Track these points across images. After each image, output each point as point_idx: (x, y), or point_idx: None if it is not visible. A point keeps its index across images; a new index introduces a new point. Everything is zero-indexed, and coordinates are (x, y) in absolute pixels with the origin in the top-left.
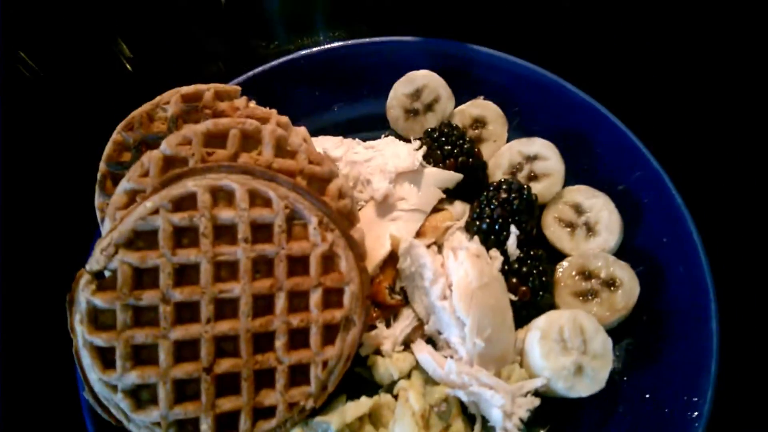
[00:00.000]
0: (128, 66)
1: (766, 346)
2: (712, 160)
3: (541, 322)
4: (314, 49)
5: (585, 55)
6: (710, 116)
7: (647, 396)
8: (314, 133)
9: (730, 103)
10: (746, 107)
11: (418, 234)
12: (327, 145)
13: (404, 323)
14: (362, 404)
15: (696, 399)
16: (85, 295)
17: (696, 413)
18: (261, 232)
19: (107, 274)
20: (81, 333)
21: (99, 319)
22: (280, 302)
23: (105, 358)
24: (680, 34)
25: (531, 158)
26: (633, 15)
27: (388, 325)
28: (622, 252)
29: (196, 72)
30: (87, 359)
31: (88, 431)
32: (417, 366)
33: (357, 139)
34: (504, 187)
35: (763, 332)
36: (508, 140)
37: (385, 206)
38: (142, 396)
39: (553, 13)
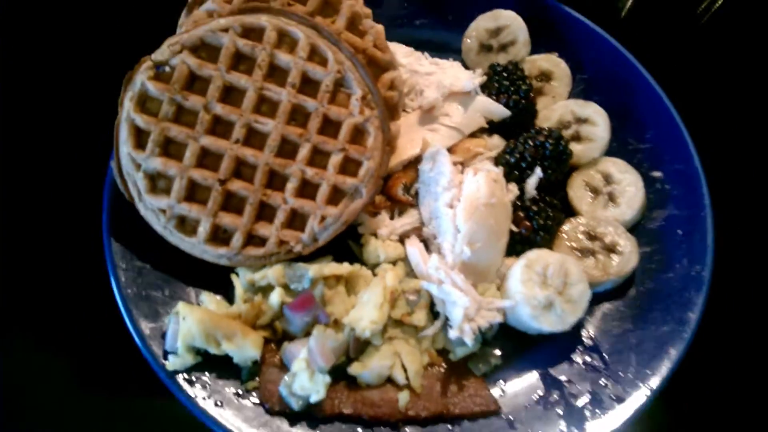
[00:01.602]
0: None
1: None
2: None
3: (531, 254)
4: None
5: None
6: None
7: (606, 360)
8: (390, 39)
9: None
10: None
11: (450, 150)
12: (398, 50)
13: (407, 220)
14: (342, 267)
15: (645, 387)
16: (141, 77)
17: (645, 393)
18: (309, 86)
19: (166, 69)
20: (127, 109)
21: (146, 104)
22: (304, 151)
23: (139, 138)
24: None
25: (581, 120)
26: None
27: (391, 217)
28: (635, 231)
29: None
30: (124, 133)
31: (104, 204)
32: (404, 259)
33: (426, 54)
34: (544, 132)
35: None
36: None
37: (429, 116)
38: (158, 183)
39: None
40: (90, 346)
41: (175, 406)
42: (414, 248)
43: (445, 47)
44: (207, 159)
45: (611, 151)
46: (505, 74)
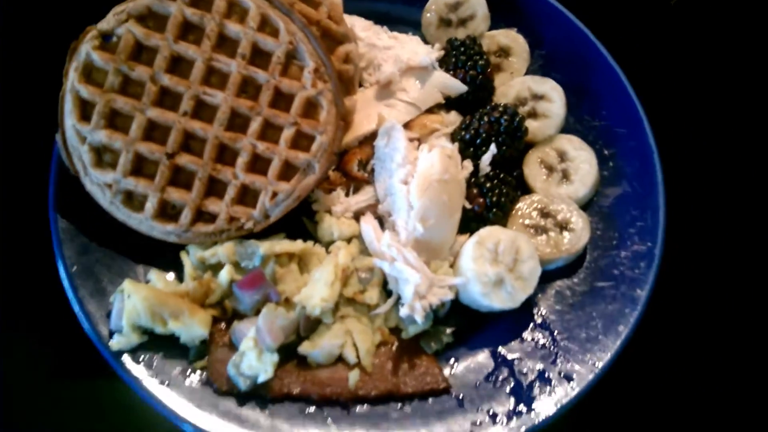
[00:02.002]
0: None
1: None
2: (709, 166)
3: (483, 231)
4: None
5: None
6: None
7: (556, 338)
8: (350, 11)
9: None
10: None
11: (406, 126)
12: (356, 23)
13: (362, 197)
14: (295, 244)
15: (593, 365)
16: (86, 47)
17: (593, 370)
18: (260, 57)
19: (112, 39)
20: (72, 79)
21: (92, 74)
22: (254, 125)
23: (84, 110)
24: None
25: (537, 96)
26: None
27: (347, 194)
28: (588, 208)
29: None
30: (69, 105)
31: (50, 178)
32: (358, 236)
33: (385, 28)
34: (500, 108)
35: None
36: None
37: (385, 91)
38: (104, 156)
39: None
40: (38, 325)
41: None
42: (368, 225)
43: (405, 21)
44: (154, 132)
45: (568, 128)
46: (462, 49)
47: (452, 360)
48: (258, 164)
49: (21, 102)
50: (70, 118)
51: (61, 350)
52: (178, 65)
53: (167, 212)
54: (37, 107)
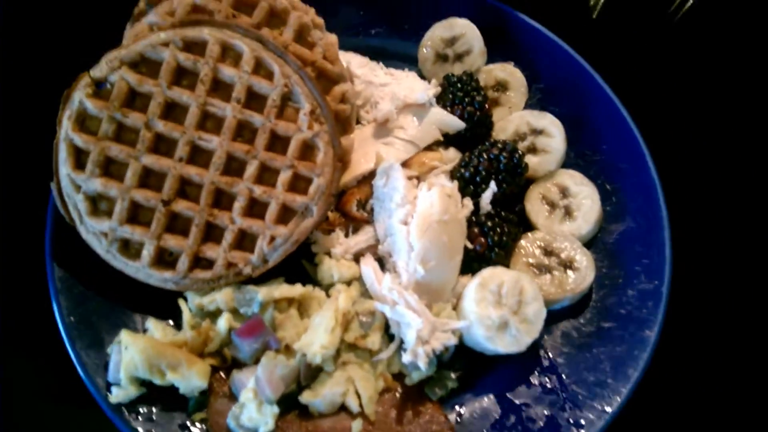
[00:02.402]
0: None
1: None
2: (715, 199)
3: (485, 272)
4: None
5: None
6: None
7: (564, 382)
8: (345, 48)
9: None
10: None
11: (405, 164)
12: (352, 60)
13: (361, 238)
14: (294, 289)
15: (603, 411)
16: (80, 95)
17: (603, 416)
18: (255, 101)
19: (105, 86)
20: (66, 128)
21: (85, 122)
22: (251, 169)
23: (79, 158)
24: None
25: (537, 131)
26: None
27: (346, 235)
28: (592, 246)
29: None
30: (63, 153)
31: (46, 228)
32: (358, 279)
33: (381, 64)
34: (499, 145)
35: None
36: None
37: (383, 129)
38: (100, 204)
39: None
40: (39, 367)
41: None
42: (368, 268)
43: (401, 56)
44: (150, 179)
45: (568, 163)
46: (459, 85)
47: (457, 406)
48: (255, 208)
49: (16, 150)
50: (64, 167)
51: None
52: (173, 111)
53: (164, 259)
54: (33, 155)
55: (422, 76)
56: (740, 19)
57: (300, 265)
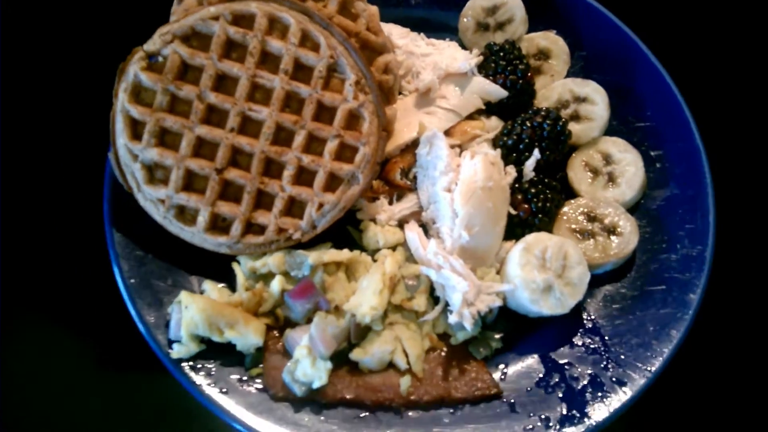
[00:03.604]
0: None
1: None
2: (759, 165)
3: (530, 237)
4: None
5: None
6: None
7: (607, 343)
8: (386, 19)
9: None
10: None
11: (447, 133)
12: (393, 31)
13: (405, 205)
14: (342, 253)
15: (646, 369)
16: (134, 68)
17: (645, 375)
18: (302, 72)
19: (159, 60)
20: (122, 100)
21: (140, 94)
22: (299, 138)
23: (135, 129)
24: None
25: (580, 99)
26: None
27: (390, 202)
28: (635, 211)
29: None
30: (120, 124)
31: (104, 195)
32: (403, 244)
33: (422, 35)
34: (542, 113)
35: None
36: None
37: (425, 99)
38: (156, 173)
39: None
40: (98, 333)
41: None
42: (413, 233)
43: (442, 27)
44: (203, 148)
45: (611, 130)
46: (501, 54)
47: (502, 365)
48: (304, 176)
49: (74, 121)
50: (121, 138)
51: (125, 354)
52: (224, 83)
53: (218, 225)
54: (90, 126)
55: (463, 46)
56: None
57: (346, 231)
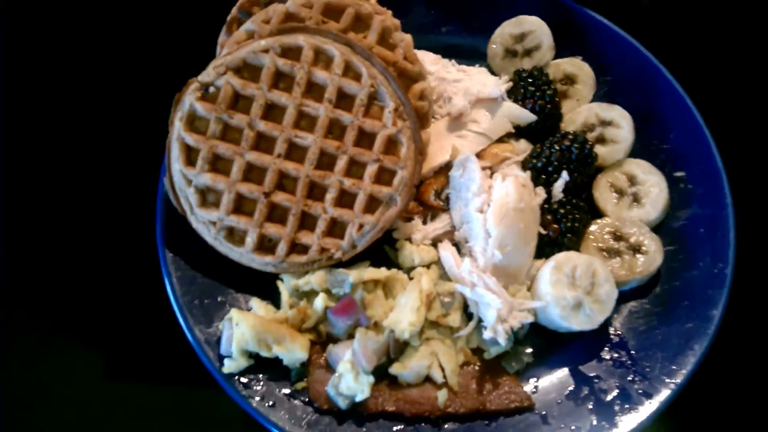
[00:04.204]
0: None
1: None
2: None
3: (560, 256)
4: None
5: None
6: None
7: (633, 356)
8: (418, 46)
9: None
10: None
11: (478, 155)
12: (425, 58)
13: (439, 225)
14: (380, 271)
15: (671, 382)
16: (190, 98)
17: (670, 387)
18: (345, 100)
19: (212, 90)
20: (178, 128)
21: (195, 123)
22: (341, 163)
23: (189, 155)
24: None
25: (605, 123)
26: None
27: (424, 222)
28: (659, 231)
29: None
30: (175, 151)
31: (157, 217)
32: (437, 262)
33: (453, 61)
34: (570, 136)
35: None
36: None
37: (457, 123)
38: (208, 197)
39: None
40: (148, 348)
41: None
42: (447, 252)
43: (472, 53)
44: (252, 173)
45: (635, 152)
46: (530, 80)
47: (533, 379)
48: (345, 199)
49: (130, 148)
50: (177, 163)
51: (172, 368)
52: (272, 111)
53: (265, 245)
54: (146, 152)
55: (492, 72)
56: None
57: (382, 250)
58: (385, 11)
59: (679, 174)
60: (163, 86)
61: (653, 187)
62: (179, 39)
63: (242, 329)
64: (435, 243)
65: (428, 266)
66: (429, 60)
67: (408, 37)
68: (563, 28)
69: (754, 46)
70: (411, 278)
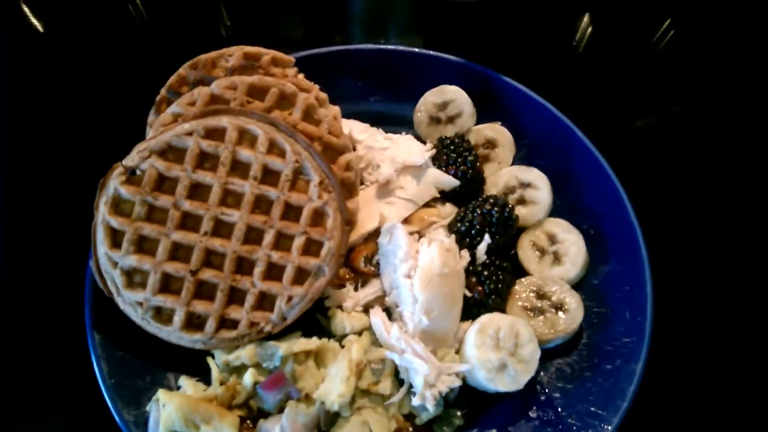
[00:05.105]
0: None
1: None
2: (692, 237)
3: (484, 318)
4: (369, 47)
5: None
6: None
7: (560, 414)
8: (347, 115)
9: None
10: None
11: (406, 221)
12: (354, 127)
13: (370, 291)
14: (311, 342)
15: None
16: (114, 183)
17: None
18: (270, 176)
19: (137, 172)
20: (102, 212)
21: (120, 206)
22: (268, 237)
23: (115, 238)
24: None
25: (525, 185)
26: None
27: (356, 289)
28: (580, 287)
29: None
30: (101, 235)
31: (85, 300)
32: (369, 329)
33: (380, 130)
34: (491, 200)
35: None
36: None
37: (385, 190)
38: (134, 278)
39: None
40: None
41: None
42: (377, 319)
43: (399, 120)
44: (179, 252)
45: (556, 211)
46: (452, 147)
47: None
48: (273, 272)
49: (56, 234)
50: (102, 247)
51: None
52: (198, 191)
53: (193, 323)
54: (71, 236)
55: (419, 137)
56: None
57: (315, 319)
58: (313, 86)
59: (596, 231)
60: (90, 169)
61: (572, 246)
62: (108, 118)
63: (169, 410)
64: (367, 309)
65: (360, 333)
66: (358, 129)
67: (335, 110)
68: (483, 95)
69: (666, 101)
70: (343, 346)
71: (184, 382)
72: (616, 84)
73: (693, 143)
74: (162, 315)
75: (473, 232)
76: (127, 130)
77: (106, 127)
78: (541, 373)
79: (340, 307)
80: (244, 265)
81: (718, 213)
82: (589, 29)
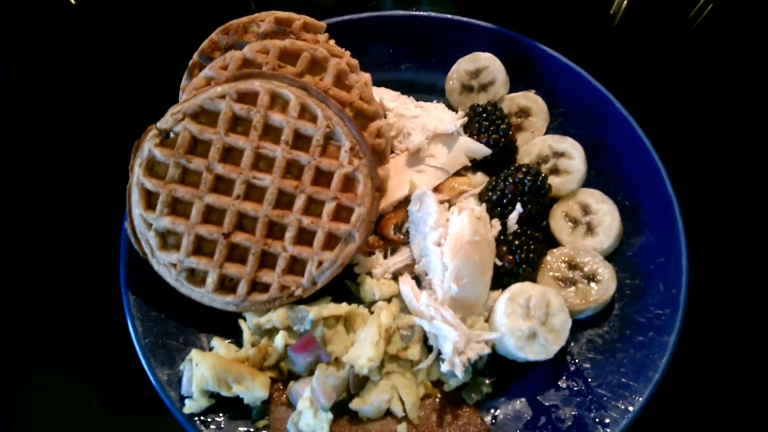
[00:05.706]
0: None
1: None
2: (728, 208)
3: (514, 287)
4: (400, 13)
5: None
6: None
7: (590, 385)
8: (378, 83)
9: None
10: None
11: (436, 189)
12: (385, 95)
13: (399, 258)
14: (341, 307)
15: (626, 410)
16: (149, 145)
17: (626, 415)
18: (301, 141)
19: (171, 135)
20: (137, 174)
21: (154, 168)
22: (299, 202)
23: (149, 200)
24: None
25: (558, 154)
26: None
27: (385, 256)
28: (613, 259)
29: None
30: (135, 196)
31: (120, 261)
32: (398, 295)
33: (411, 98)
34: (523, 169)
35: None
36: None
37: (415, 158)
38: (168, 239)
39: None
40: (111, 389)
41: None
42: (406, 286)
43: (430, 88)
44: (211, 215)
45: (589, 181)
46: (484, 115)
47: (492, 409)
48: (304, 237)
49: (92, 193)
50: (137, 208)
51: (136, 411)
52: (230, 154)
53: (225, 285)
54: (107, 197)
55: (450, 106)
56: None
57: (345, 285)
58: (344, 53)
59: (631, 202)
60: (125, 132)
61: (606, 216)
62: (142, 84)
63: (202, 369)
64: (396, 277)
65: (389, 300)
66: (388, 97)
67: (366, 77)
68: (517, 63)
69: (702, 77)
70: (372, 312)
71: (217, 343)
72: (651, 56)
73: (730, 115)
74: (195, 277)
75: (505, 201)
76: (161, 95)
77: (141, 92)
78: (572, 344)
79: (369, 274)
80: (275, 230)
81: (756, 187)
82: (626, 1)
